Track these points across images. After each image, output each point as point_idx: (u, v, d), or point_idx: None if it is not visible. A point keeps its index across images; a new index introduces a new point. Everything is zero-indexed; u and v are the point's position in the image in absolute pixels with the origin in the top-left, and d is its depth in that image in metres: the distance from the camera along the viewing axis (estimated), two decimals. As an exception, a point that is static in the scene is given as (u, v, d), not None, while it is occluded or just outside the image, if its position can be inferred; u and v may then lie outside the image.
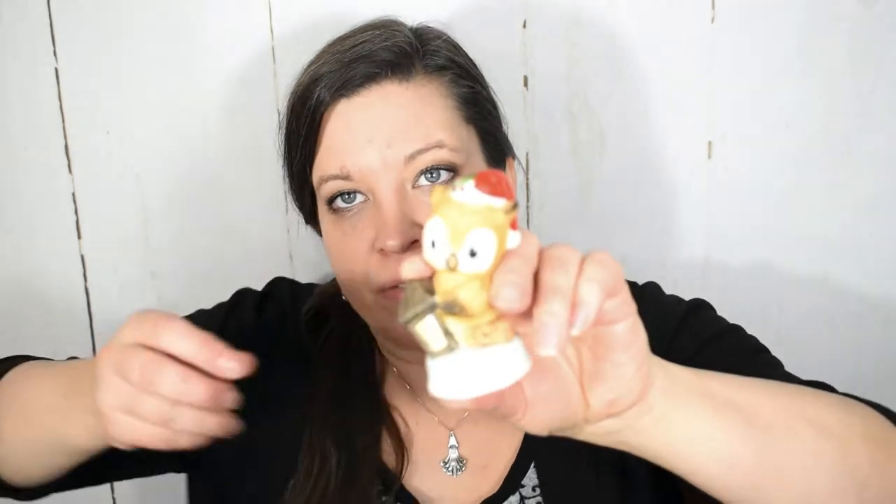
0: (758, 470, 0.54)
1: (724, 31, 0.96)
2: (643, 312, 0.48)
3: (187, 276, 1.02)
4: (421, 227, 0.74)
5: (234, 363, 0.56)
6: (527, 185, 1.01)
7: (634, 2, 0.96)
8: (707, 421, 0.52)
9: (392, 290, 0.72)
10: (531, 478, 0.74)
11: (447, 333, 0.44)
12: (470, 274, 0.43)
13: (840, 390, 0.65)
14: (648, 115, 0.99)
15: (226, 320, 0.84)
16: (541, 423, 0.51)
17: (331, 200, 0.75)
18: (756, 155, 0.99)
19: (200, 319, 0.83)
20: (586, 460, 0.72)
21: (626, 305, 0.47)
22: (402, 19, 0.81)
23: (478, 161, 0.77)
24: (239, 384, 0.69)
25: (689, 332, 0.76)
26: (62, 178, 0.99)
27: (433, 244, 0.44)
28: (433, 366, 0.46)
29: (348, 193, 0.74)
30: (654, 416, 0.51)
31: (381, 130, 0.72)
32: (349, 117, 0.74)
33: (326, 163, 0.75)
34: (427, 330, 0.45)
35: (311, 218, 0.82)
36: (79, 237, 1.00)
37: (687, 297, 0.80)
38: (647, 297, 0.80)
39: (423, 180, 0.73)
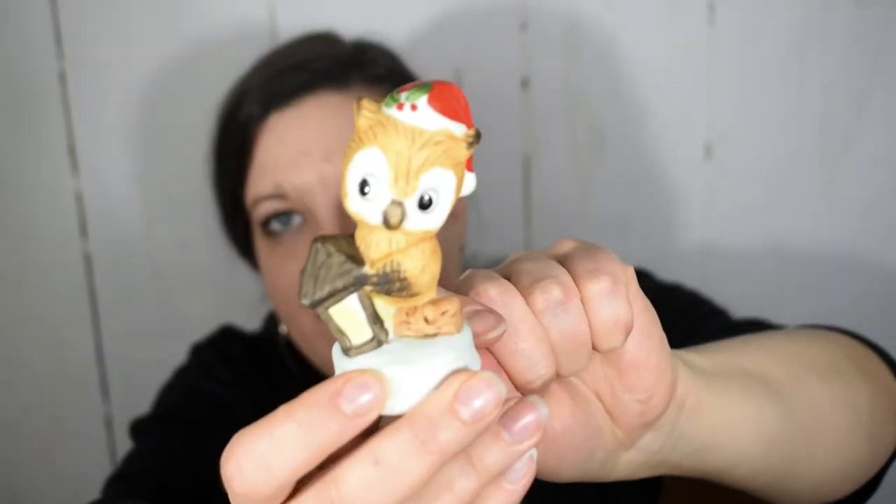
0: (790, 436, 0.48)
1: (723, 33, 0.96)
2: None
3: (192, 277, 1.03)
4: None
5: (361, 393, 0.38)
6: (526, 186, 1.01)
7: (633, 4, 0.96)
8: (737, 399, 0.45)
9: None
10: None
11: (375, 321, 0.31)
12: (417, 233, 0.30)
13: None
14: (647, 116, 0.99)
15: (217, 364, 0.80)
16: (570, 462, 0.40)
17: (265, 223, 0.70)
18: (755, 156, 1.00)
19: (192, 391, 0.79)
20: None
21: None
22: (345, 27, 0.77)
23: None
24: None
25: None
26: (68, 179, 1.00)
27: (364, 188, 0.30)
28: (349, 367, 0.32)
29: (284, 214, 0.69)
30: (687, 413, 0.42)
31: (317, 143, 0.67)
32: (282, 131, 0.68)
33: (259, 182, 0.69)
34: (346, 315, 0.31)
35: (246, 250, 0.78)
36: (84, 237, 1.01)
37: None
38: None
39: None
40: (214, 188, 0.78)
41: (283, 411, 0.31)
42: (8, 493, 1.06)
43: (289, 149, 0.68)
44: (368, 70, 0.72)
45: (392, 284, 0.30)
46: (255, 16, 0.96)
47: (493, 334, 0.34)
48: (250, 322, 0.93)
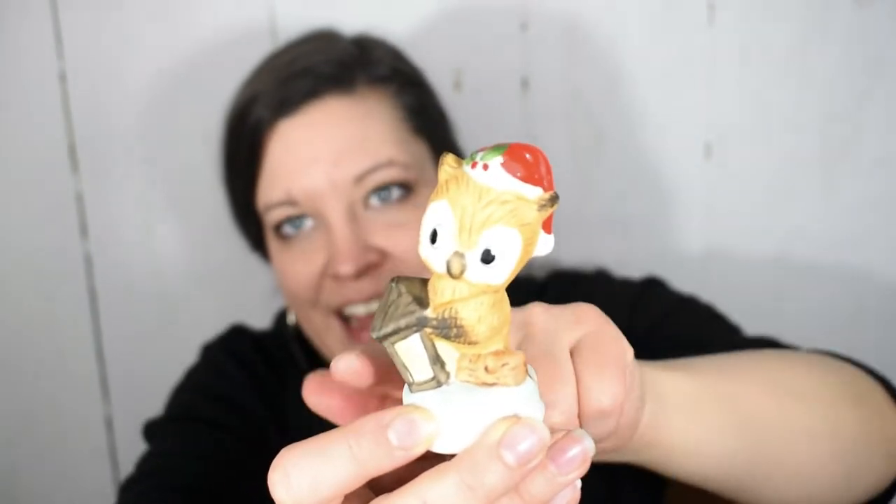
0: (754, 460, 0.50)
1: (722, 32, 0.96)
2: (596, 304, 0.42)
3: (192, 277, 1.03)
4: (376, 250, 0.71)
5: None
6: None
7: (633, 4, 0.96)
8: (701, 429, 0.47)
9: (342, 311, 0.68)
10: None
11: (436, 361, 0.33)
12: (479, 285, 0.32)
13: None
14: (647, 116, 0.99)
15: (228, 364, 0.80)
16: None
17: (278, 227, 0.71)
18: (754, 156, 1.00)
19: (202, 390, 0.79)
20: None
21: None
22: (346, 28, 0.78)
23: (431, 175, 0.73)
24: (263, 427, 0.67)
25: (643, 313, 0.72)
26: (68, 179, 1.00)
27: (434, 237, 0.32)
28: (411, 401, 0.34)
29: (296, 218, 0.70)
30: (646, 443, 0.45)
31: (325, 149, 0.68)
32: (291, 138, 0.69)
33: (270, 189, 0.70)
34: (411, 353, 0.33)
35: (258, 244, 0.79)
36: (84, 237, 1.01)
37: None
38: (598, 287, 0.78)
39: (374, 200, 0.69)
40: (226, 190, 0.78)
41: (336, 432, 0.32)
42: (8, 493, 1.06)
43: (298, 156, 0.69)
44: (373, 71, 0.73)
45: (449, 330, 0.32)
46: (254, 15, 0.96)
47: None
48: (250, 322, 0.93)
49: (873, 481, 0.56)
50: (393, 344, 0.33)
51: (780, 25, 0.96)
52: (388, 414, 0.32)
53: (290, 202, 0.70)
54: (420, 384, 0.33)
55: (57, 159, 0.99)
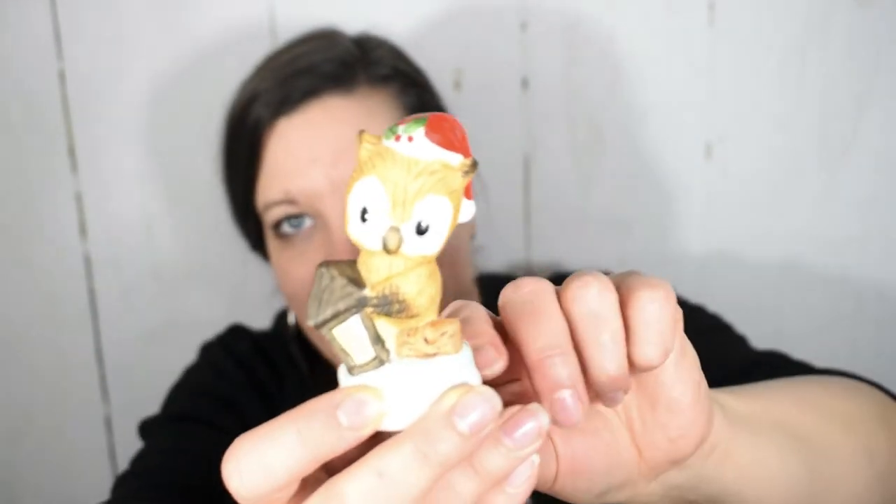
0: (811, 486, 0.48)
1: (723, 32, 0.96)
2: None
3: (192, 277, 1.03)
4: None
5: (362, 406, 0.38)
6: (526, 186, 1.01)
7: (633, 4, 0.96)
8: (764, 449, 0.45)
9: None
10: None
11: (377, 341, 0.33)
12: (415, 258, 0.32)
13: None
14: (647, 116, 0.99)
15: (227, 363, 0.80)
16: (587, 487, 0.40)
17: (277, 226, 0.71)
18: (755, 156, 1.00)
19: (200, 386, 0.79)
20: None
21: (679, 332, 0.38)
22: (345, 28, 0.78)
23: None
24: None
25: None
26: (68, 179, 1.00)
27: (364, 215, 0.32)
28: (352, 384, 0.33)
29: (295, 217, 0.70)
30: (715, 458, 0.42)
31: (325, 149, 0.68)
32: (290, 137, 0.69)
33: (269, 188, 0.70)
34: (349, 335, 0.33)
35: (257, 244, 0.79)
36: (84, 237, 1.01)
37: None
38: None
39: None
40: (225, 188, 0.78)
41: (284, 417, 0.32)
42: (8, 493, 1.06)
43: (297, 156, 0.69)
44: (374, 70, 0.73)
45: (391, 306, 0.32)
46: (254, 15, 0.96)
47: (491, 370, 0.35)
48: (250, 322, 0.93)
49: None
50: (331, 329, 0.33)
51: (780, 25, 0.96)
52: (335, 395, 0.32)
53: (290, 201, 0.70)
54: (361, 366, 0.33)
55: (57, 159, 0.99)
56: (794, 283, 1.03)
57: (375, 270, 0.32)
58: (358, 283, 0.32)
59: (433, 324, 0.33)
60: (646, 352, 0.36)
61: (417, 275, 0.32)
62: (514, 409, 0.32)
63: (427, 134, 0.32)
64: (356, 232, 0.32)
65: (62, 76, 0.97)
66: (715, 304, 0.82)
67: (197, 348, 0.86)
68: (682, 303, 0.75)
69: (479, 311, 0.37)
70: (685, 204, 1.01)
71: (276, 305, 0.94)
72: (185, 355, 0.87)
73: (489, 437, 0.31)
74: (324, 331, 0.33)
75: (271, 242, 0.75)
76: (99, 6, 0.96)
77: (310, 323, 0.32)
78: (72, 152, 0.99)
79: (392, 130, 0.32)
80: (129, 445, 0.85)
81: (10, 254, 1.01)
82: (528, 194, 1.01)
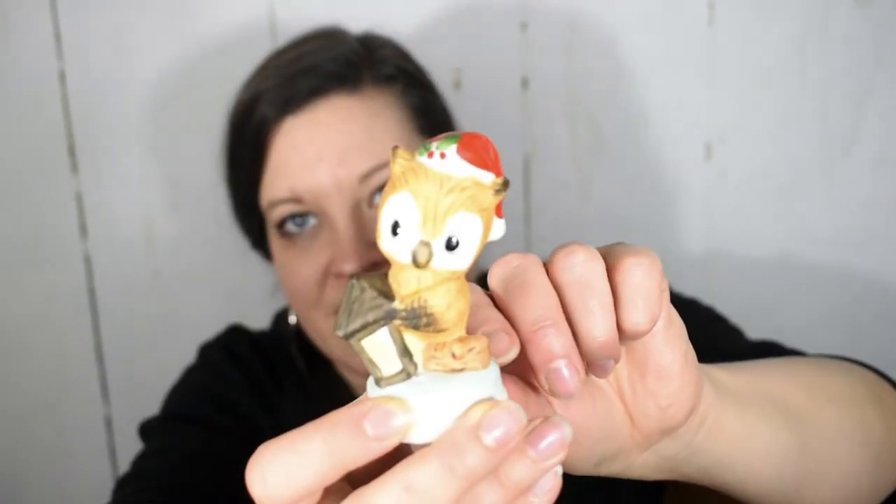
0: (802, 460, 0.49)
1: (723, 32, 0.96)
2: None
3: (192, 277, 1.03)
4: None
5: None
6: (526, 186, 1.01)
7: (633, 4, 0.96)
8: (756, 421, 0.46)
9: None
10: None
11: (405, 353, 0.33)
12: (444, 272, 0.32)
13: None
14: (647, 116, 0.99)
15: (226, 364, 0.80)
16: (584, 455, 0.41)
17: (281, 224, 0.71)
18: (754, 156, 1.00)
19: (198, 388, 0.79)
20: None
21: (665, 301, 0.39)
22: (347, 28, 0.77)
23: None
24: (259, 428, 0.66)
25: None
26: (68, 179, 1.00)
27: (395, 229, 0.32)
28: (380, 395, 0.33)
29: (300, 216, 0.70)
30: (707, 429, 0.43)
31: (331, 148, 0.68)
32: (296, 135, 0.69)
33: (274, 186, 0.70)
34: (377, 347, 0.33)
35: (259, 242, 0.79)
36: (84, 237, 1.01)
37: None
38: None
39: (379, 198, 0.69)
40: (228, 188, 0.78)
41: (310, 426, 0.32)
42: (8, 493, 1.06)
43: (303, 154, 0.69)
44: (379, 70, 0.73)
45: (419, 320, 0.32)
46: (254, 15, 0.96)
47: (505, 358, 0.35)
48: (250, 322, 0.93)
49: (893, 480, 0.56)
50: (360, 340, 0.33)
51: (780, 25, 0.96)
52: (362, 406, 0.32)
53: (295, 200, 0.70)
54: (389, 378, 0.33)
55: (57, 159, 0.99)
56: (794, 283, 1.03)
57: (405, 283, 0.32)
58: (388, 295, 0.33)
59: (461, 339, 0.33)
60: (634, 317, 0.37)
61: (446, 289, 0.32)
62: (538, 421, 0.33)
63: (460, 151, 0.32)
64: (387, 245, 0.32)
65: (62, 76, 0.97)
66: (715, 303, 0.82)
67: (196, 348, 0.86)
68: (676, 298, 0.76)
69: (482, 297, 0.38)
70: (685, 204, 1.01)
71: (275, 305, 0.94)
72: (184, 355, 0.87)
73: (514, 449, 0.32)
74: (352, 342, 0.33)
75: (274, 241, 0.75)
76: (99, 6, 0.96)
77: (339, 333, 0.33)
78: (72, 152, 0.99)
79: (425, 147, 0.32)
80: (130, 445, 0.85)
81: (10, 254, 1.01)
82: (528, 194, 1.01)
